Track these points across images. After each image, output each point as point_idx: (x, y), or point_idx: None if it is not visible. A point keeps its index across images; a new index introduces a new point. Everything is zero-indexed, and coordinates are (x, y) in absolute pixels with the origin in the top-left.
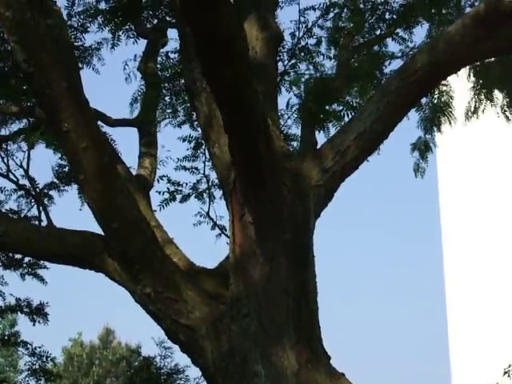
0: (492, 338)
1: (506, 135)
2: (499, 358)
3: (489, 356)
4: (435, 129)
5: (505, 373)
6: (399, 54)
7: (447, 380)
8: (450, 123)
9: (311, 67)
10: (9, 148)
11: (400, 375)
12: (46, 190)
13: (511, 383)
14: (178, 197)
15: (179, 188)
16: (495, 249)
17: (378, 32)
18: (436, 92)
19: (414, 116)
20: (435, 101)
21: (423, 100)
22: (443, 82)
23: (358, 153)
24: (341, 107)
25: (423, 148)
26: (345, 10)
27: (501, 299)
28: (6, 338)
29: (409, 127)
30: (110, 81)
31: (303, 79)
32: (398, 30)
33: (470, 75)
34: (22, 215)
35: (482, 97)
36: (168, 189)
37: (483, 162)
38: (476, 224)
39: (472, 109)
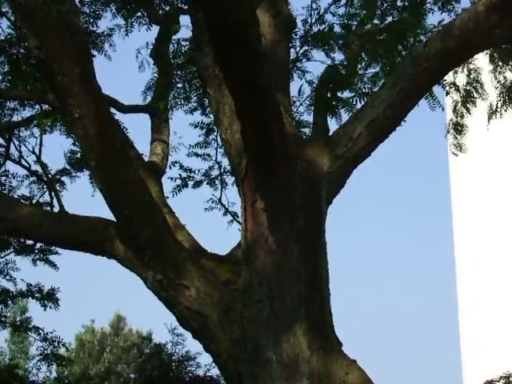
0: (504, 326)
1: None
2: (510, 348)
3: (499, 345)
4: (466, 110)
5: None
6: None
7: (458, 369)
8: (483, 99)
9: (323, 54)
10: (21, 134)
11: (411, 363)
12: (58, 176)
13: None
14: (190, 183)
15: (191, 174)
16: (507, 239)
17: (390, 19)
18: (465, 70)
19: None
20: (465, 80)
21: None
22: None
23: (370, 140)
24: (353, 94)
25: (459, 128)
26: None
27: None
28: (18, 323)
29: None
30: (123, 67)
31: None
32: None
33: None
34: (34, 201)
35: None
36: (180, 175)
37: (495, 156)
38: (488, 215)
39: (494, 108)
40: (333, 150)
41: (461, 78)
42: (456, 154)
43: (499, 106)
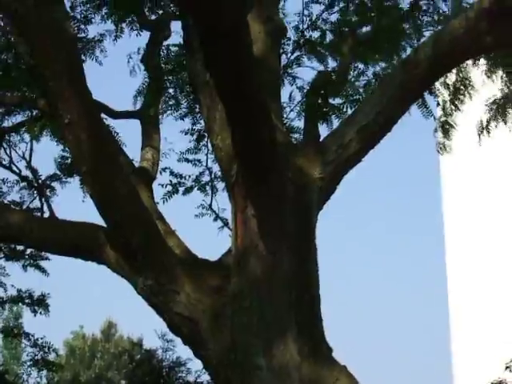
0: (494, 332)
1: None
2: (501, 353)
3: (490, 351)
4: (454, 109)
5: (506, 367)
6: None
7: (449, 374)
8: (471, 98)
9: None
10: (11, 139)
11: (401, 368)
12: (48, 182)
13: None
14: (181, 189)
15: (182, 180)
16: (498, 242)
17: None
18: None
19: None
20: (453, 78)
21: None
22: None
23: (360, 146)
24: (344, 100)
25: (447, 127)
26: (350, 4)
27: (503, 292)
28: (9, 329)
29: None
30: (114, 73)
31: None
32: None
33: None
34: (25, 207)
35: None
36: (170, 181)
37: (486, 156)
38: (478, 215)
39: (484, 124)
40: (323, 156)
41: (450, 76)
42: (441, 153)
43: (489, 121)
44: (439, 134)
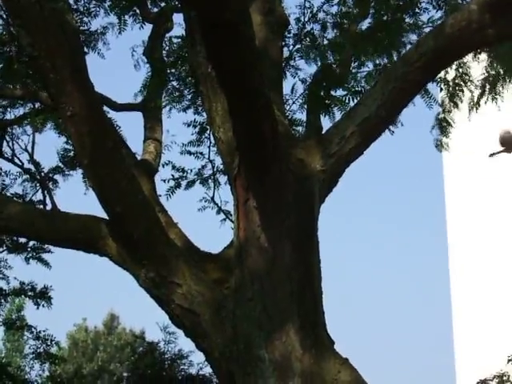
0: (496, 326)
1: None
2: (504, 347)
3: (493, 344)
4: (453, 105)
5: (509, 361)
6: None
7: (451, 368)
8: (472, 92)
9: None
10: (14, 132)
11: (404, 362)
12: (50, 174)
13: None
14: (183, 183)
15: (184, 174)
16: (500, 238)
17: (384, 18)
18: (454, 65)
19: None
20: (453, 74)
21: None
22: None
23: (362, 138)
24: (346, 92)
25: (445, 124)
26: None
27: (505, 288)
28: (12, 321)
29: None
30: (118, 65)
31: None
32: (405, 17)
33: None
34: (27, 199)
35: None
36: (173, 176)
37: (489, 145)
38: (482, 210)
39: (475, 100)
40: (325, 148)
41: (450, 73)
42: (440, 151)
43: (480, 97)
44: (437, 131)
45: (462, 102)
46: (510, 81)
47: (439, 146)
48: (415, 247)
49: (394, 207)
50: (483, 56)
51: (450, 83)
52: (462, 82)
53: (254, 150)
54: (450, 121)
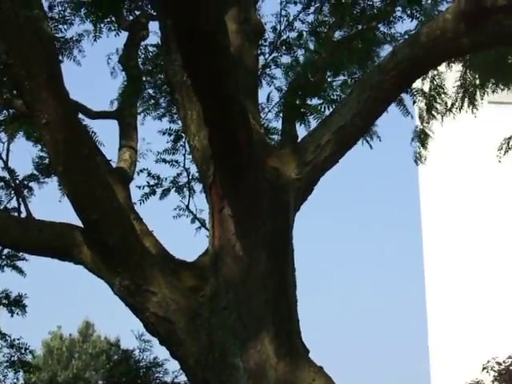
0: (472, 334)
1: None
2: (479, 354)
3: (468, 352)
4: (430, 117)
5: (483, 368)
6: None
7: (427, 376)
8: (446, 105)
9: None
10: None
11: (379, 370)
12: (25, 182)
13: (490, 379)
14: (158, 191)
15: (159, 182)
16: (475, 245)
17: (359, 27)
18: (429, 76)
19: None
20: (428, 85)
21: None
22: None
23: (338, 146)
24: (321, 101)
25: (423, 136)
26: (326, 4)
27: (481, 295)
28: None
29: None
30: (94, 72)
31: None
32: (379, 26)
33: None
34: (2, 207)
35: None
36: (148, 183)
37: (463, 150)
38: (457, 219)
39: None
40: (301, 156)
41: (426, 85)
42: (418, 163)
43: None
44: (416, 144)
45: (438, 113)
46: (484, 90)
47: (418, 158)
48: (391, 253)
49: (366, 205)
50: (457, 66)
51: (427, 94)
52: (436, 94)
53: (230, 157)
54: (428, 133)
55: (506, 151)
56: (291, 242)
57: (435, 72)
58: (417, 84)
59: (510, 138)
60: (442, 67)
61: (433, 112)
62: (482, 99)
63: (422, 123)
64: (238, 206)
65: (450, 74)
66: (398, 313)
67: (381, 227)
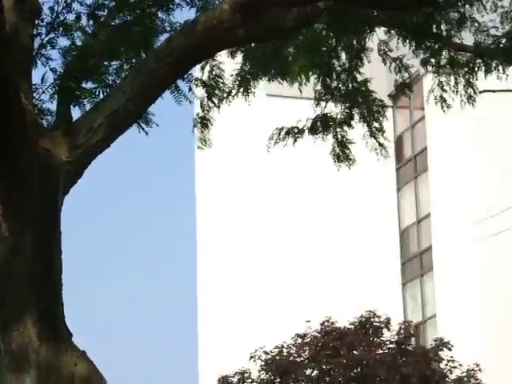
0: (241, 324)
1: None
2: (248, 344)
3: (235, 343)
4: (210, 104)
5: (251, 357)
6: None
7: (194, 364)
8: (225, 94)
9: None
10: None
11: (149, 356)
12: None
13: (257, 368)
14: None
15: None
16: (247, 239)
17: (138, 12)
18: (207, 67)
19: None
20: (206, 76)
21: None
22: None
23: (110, 130)
24: (97, 85)
25: (205, 123)
26: None
27: (251, 284)
28: None
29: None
30: None
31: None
32: (159, 12)
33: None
34: None
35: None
36: None
37: (239, 139)
38: (230, 209)
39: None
40: (73, 139)
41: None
42: (202, 148)
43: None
44: (198, 130)
45: (219, 101)
46: (259, 79)
47: (203, 142)
48: (165, 241)
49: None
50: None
51: (206, 83)
52: (214, 83)
53: (2, 137)
54: (209, 119)
55: (275, 142)
56: (59, 225)
57: (215, 62)
58: (197, 73)
59: (281, 129)
60: (224, 57)
61: (213, 99)
62: (255, 88)
63: (203, 111)
64: (7, 186)
65: (233, 64)
66: (169, 305)
67: (155, 214)
